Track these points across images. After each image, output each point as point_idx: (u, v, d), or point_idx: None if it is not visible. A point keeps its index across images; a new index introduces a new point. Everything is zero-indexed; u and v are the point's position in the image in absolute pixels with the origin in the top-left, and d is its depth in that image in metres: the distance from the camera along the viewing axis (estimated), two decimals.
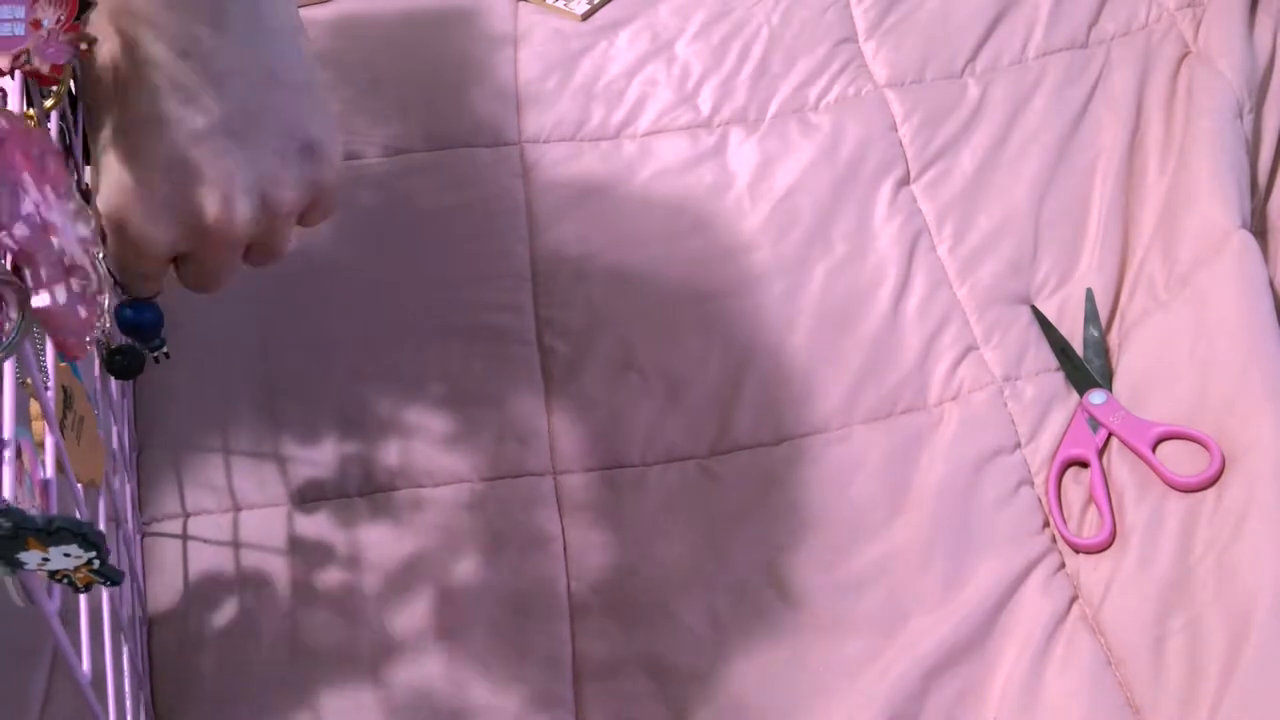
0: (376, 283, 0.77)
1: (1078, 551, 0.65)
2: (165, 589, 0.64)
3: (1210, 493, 0.64)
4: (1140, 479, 0.66)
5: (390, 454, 0.69)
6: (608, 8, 0.97)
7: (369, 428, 0.70)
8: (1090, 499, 0.66)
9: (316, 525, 0.67)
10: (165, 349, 0.55)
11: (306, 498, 0.68)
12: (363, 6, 0.96)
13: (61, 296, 0.38)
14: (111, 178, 0.44)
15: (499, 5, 0.97)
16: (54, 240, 0.39)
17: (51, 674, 0.60)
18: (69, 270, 0.39)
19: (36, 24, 0.41)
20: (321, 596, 0.64)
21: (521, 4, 0.97)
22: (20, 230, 0.37)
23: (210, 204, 0.44)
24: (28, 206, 0.37)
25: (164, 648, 0.62)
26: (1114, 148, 0.85)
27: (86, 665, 0.43)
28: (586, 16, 0.96)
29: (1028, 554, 0.64)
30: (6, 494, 0.34)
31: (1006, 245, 0.79)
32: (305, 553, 0.65)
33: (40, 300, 0.37)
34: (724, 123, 0.88)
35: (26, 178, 0.38)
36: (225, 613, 0.63)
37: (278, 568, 0.65)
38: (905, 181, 0.84)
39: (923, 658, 0.60)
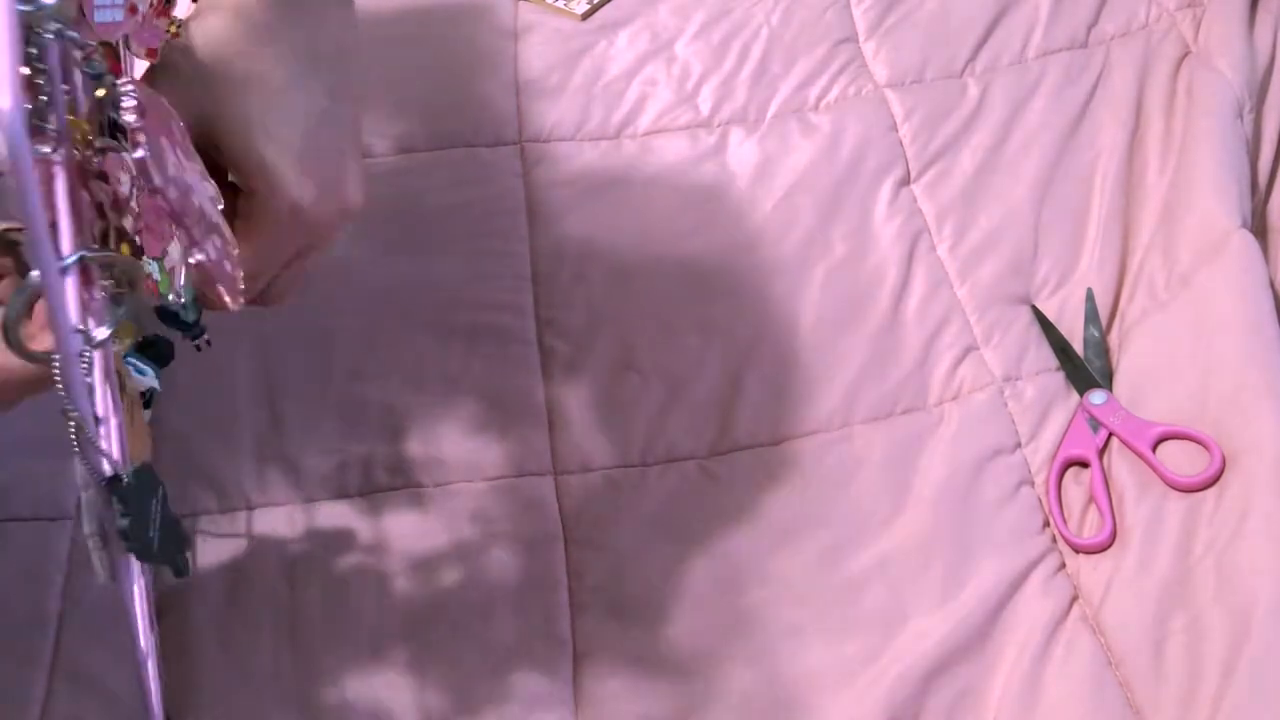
0: (377, 282, 0.77)
1: (1078, 551, 0.65)
2: (169, 586, 0.64)
3: (1210, 493, 0.64)
4: (1140, 479, 0.66)
5: (391, 454, 0.69)
6: (608, 8, 0.97)
7: (369, 427, 0.70)
8: (1090, 499, 0.66)
9: (316, 524, 0.67)
10: (206, 335, 0.55)
11: (307, 497, 0.68)
12: (362, 5, 0.95)
13: (213, 252, 0.41)
14: (319, 150, 0.49)
15: (499, 4, 0.97)
16: (194, 200, 0.40)
17: (51, 674, 0.60)
18: (209, 229, 0.41)
19: (133, 9, 0.42)
20: (322, 595, 0.64)
21: (521, 3, 0.97)
22: (173, 192, 0.38)
23: (362, 179, 0.51)
24: (171, 169, 0.40)
25: (170, 644, 0.62)
26: (1114, 148, 0.85)
27: (145, 642, 0.43)
28: (586, 16, 0.96)
29: (1028, 554, 0.64)
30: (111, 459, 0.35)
31: (1006, 245, 0.79)
32: (305, 551, 0.65)
33: (197, 256, 0.41)
34: (724, 123, 0.88)
35: (164, 142, 0.39)
36: (227, 610, 0.63)
37: (278, 566, 0.65)
38: (905, 181, 0.84)
39: (923, 658, 0.60)
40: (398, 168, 0.84)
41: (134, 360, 0.49)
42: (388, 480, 0.68)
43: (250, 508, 0.67)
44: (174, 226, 0.41)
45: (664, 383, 0.73)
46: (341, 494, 0.68)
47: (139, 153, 0.39)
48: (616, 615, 0.63)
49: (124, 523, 0.36)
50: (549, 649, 0.62)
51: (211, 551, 0.66)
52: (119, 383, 0.45)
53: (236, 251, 0.45)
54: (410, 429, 0.70)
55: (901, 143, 0.86)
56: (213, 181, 0.44)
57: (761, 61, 0.92)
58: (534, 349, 0.74)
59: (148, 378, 0.49)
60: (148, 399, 0.51)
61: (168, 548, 0.39)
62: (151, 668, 0.49)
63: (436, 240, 0.80)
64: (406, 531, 0.66)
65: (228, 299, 0.44)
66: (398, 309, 0.76)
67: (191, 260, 0.40)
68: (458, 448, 0.70)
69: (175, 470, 0.68)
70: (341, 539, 0.66)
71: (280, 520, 0.67)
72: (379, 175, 0.84)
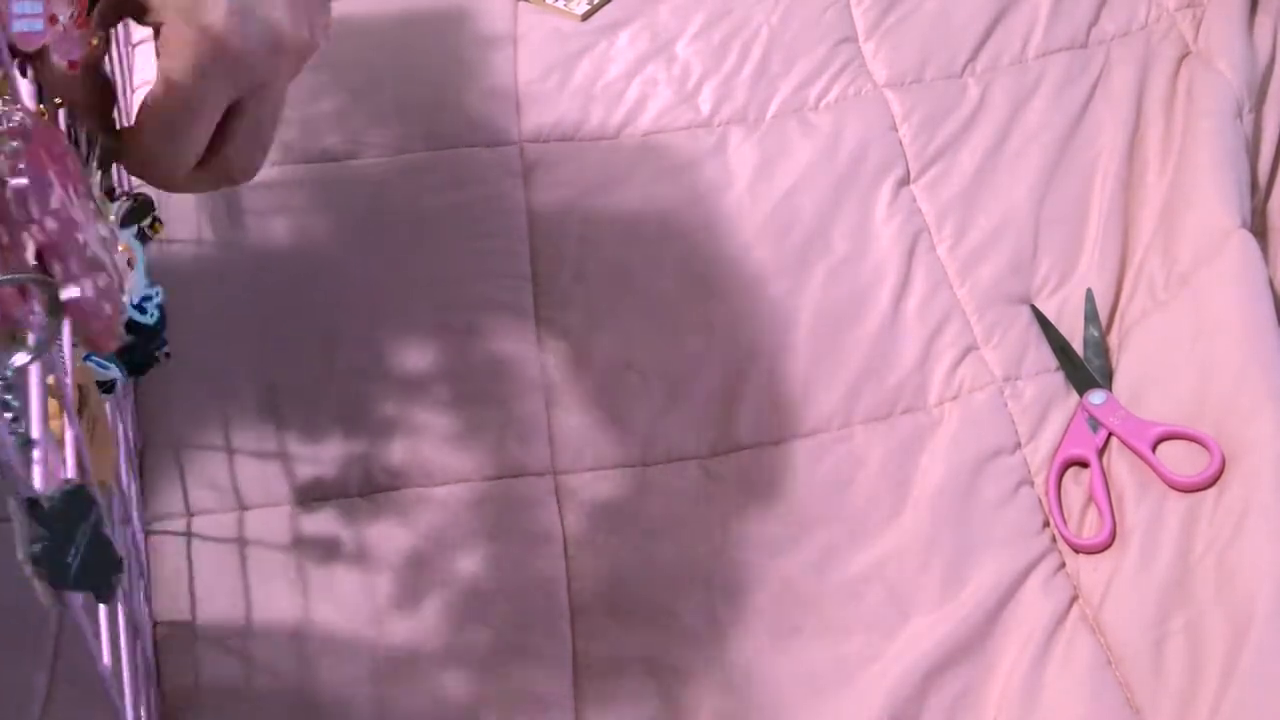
0: (377, 282, 0.77)
1: (1078, 551, 0.65)
2: (170, 588, 0.64)
3: (1210, 493, 0.64)
4: (1140, 479, 0.66)
5: (391, 453, 0.69)
6: (608, 8, 0.97)
7: (370, 427, 0.70)
8: (1090, 499, 0.67)
9: (318, 525, 0.67)
10: (166, 349, 0.55)
11: (308, 497, 0.68)
12: (360, 7, 0.96)
13: (90, 290, 0.40)
14: None
15: (499, 5, 0.97)
16: (79, 236, 0.39)
17: (52, 673, 0.60)
18: (91, 266, 0.40)
19: (54, 19, 0.41)
20: (323, 596, 0.64)
21: (521, 4, 0.97)
22: (51, 224, 0.38)
23: (304, 6, 0.46)
24: (54, 202, 0.38)
25: (170, 646, 0.62)
26: (1114, 148, 0.85)
27: (107, 658, 0.43)
28: (586, 16, 0.96)
29: (1028, 554, 0.64)
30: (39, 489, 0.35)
31: (1006, 245, 0.79)
32: (307, 552, 0.65)
33: (71, 292, 0.39)
34: (724, 123, 0.88)
35: (51, 175, 0.38)
36: (228, 612, 0.63)
37: (280, 567, 0.65)
38: (905, 181, 0.84)
39: (923, 658, 0.60)
40: (397, 168, 0.84)
41: (95, 359, 0.48)
42: (388, 480, 0.68)
43: (250, 507, 0.67)
44: (50, 260, 0.40)
45: (664, 383, 0.73)
46: (342, 494, 0.68)
47: (19, 180, 0.37)
48: (616, 615, 0.63)
49: (35, 548, 0.34)
50: (549, 649, 0.62)
51: (211, 552, 0.66)
52: (79, 398, 0.44)
53: (126, 292, 0.42)
54: (410, 429, 0.70)
55: (901, 143, 0.86)
56: (108, 223, 0.42)
57: (761, 61, 0.92)
58: (534, 348, 0.74)
59: (111, 370, 0.49)
60: (109, 387, 0.50)
61: (91, 575, 0.37)
62: (128, 680, 0.48)
63: (436, 240, 0.80)
64: (406, 531, 0.66)
65: (101, 340, 0.42)
66: (398, 309, 0.76)
67: (64, 296, 0.39)
68: (458, 448, 0.70)
69: (174, 470, 0.68)
70: (342, 539, 0.66)
71: (281, 520, 0.67)
72: (379, 176, 0.84)
